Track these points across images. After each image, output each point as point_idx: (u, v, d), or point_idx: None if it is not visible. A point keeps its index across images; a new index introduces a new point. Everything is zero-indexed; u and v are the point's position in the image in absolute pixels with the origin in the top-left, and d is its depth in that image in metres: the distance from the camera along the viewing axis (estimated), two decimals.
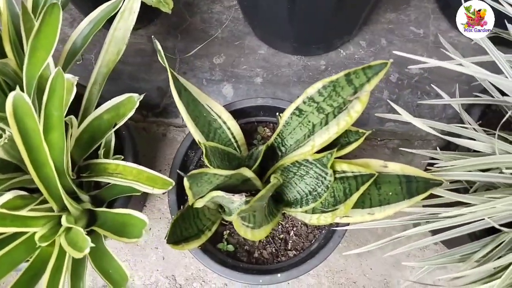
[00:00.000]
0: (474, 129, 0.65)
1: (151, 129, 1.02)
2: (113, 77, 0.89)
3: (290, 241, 0.77)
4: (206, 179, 0.54)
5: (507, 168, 0.56)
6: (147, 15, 1.06)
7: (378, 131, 0.99)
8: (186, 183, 0.53)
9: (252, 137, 0.82)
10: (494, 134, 0.58)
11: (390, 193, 0.60)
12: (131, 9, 0.72)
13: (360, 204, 0.64)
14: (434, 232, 0.61)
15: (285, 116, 0.63)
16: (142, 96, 0.68)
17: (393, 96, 1.00)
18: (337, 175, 0.62)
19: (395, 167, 0.58)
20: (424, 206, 0.63)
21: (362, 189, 0.57)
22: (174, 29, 1.08)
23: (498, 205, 0.52)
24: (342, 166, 0.60)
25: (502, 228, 0.57)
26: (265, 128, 0.83)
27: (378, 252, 0.95)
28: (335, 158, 0.61)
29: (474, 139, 0.58)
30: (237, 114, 0.77)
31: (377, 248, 0.63)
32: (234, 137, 0.74)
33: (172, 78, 0.63)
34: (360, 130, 0.58)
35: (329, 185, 0.62)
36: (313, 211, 0.68)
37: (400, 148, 0.94)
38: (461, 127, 0.58)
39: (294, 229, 0.77)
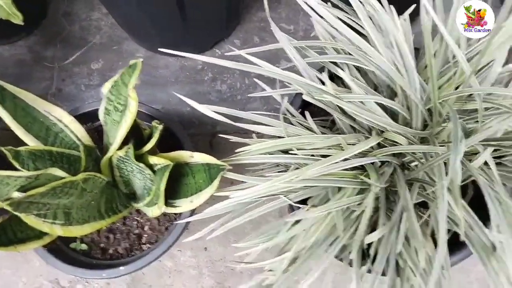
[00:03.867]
0: (292, 116, 0.70)
1: None
2: None
3: (145, 236, 0.80)
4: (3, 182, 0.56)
5: (298, 149, 0.61)
6: (25, 27, 1.07)
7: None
8: None
9: None
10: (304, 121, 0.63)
11: (201, 181, 0.64)
12: None
13: (184, 194, 0.68)
14: None
15: (100, 116, 0.66)
16: None
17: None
18: (156, 168, 0.65)
19: (199, 157, 0.62)
20: None
21: (165, 179, 0.61)
22: (54, 38, 1.10)
23: (276, 183, 0.56)
24: (153, 159, 0.63)
25: (296, 205, 0.62)
26: None
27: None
28: (150, 153, 0.65)
29: (269, 125, 0.63)
30: (86, 117, 0.80)
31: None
32: (79, 140, 0.77)
33: None
34: (155, 124, 0.62)
35: (152, 179, 0.66)
36: (151, 204, 0.71)
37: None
38: (258, 114, 0.63)
39: (149, 223, 0.81)
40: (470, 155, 0.65)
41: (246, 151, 0.61)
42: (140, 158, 0.64)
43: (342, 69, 0.66)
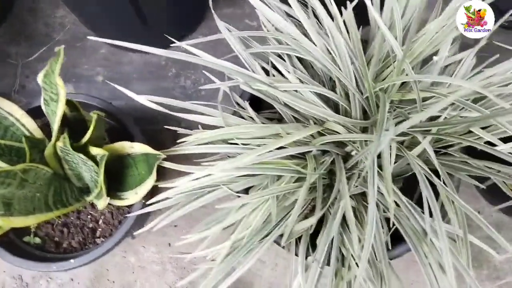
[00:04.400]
0: (239, 108, 0.71)
1: None
2: None
3: (99, 229, 0.80)
4: None
5: (237, 139, 0.61)
6: None
7: None
8: None
9: None
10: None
11: (143, 172, 0.64)
12: None
13: (130, 186, 0.69)
14: None
15: (42, 107, 0.67)
16: None
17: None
18: (98, 159, 0.66)
19: (138, 147, 0.62)
20: None
21: (102, 169, 0.61)
22: (18, 35, 1.10)
23: (213, 171, 0.56)
24: (94, 150, 0.63)
25: (237, 194, 0.62)
26: None
27: None
28: (98, 145, 0.65)
29: (208, 115, 0.63)
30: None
31: None
32: (31, 133, 0.77)
33: None
34: (92, 115, 0.62)
35: (96, 170, 0.66)
36: (100, 196, 0.71)
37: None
38: (196, 103, 0.63)
39: (103, 217, 0.81)
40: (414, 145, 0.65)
41: (187, 142, 0.62)
42: (82, 149, 0.64)
43: (284, 60, 0.66)
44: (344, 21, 0.64)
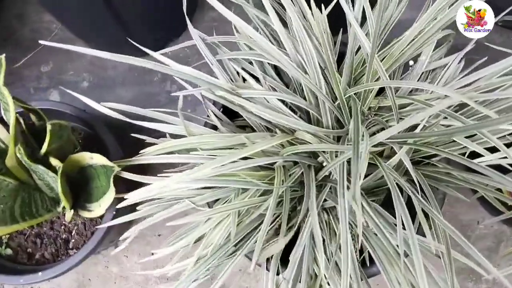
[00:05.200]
0: (214, 115, 0.67)
1: None
2: None
3: (72, 240, 0.78)
4: None
5: (201, 149, 0.58)
6: None
7: None
8: None
9: None
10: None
11: (104, 184, 0.62)
12: None
13: (96, 197, 0.66)
14: None
15: (4, 116, 0.65)
16: None
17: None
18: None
19: (97, 159, 0.60)
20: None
21: (58, 180, 0.58)
22: (4, 40, 1.10)
23: (169, 183, 0.53)
24: (53, 161, 0.61)
25: (200, 208, 0.59)
26: None
27: None
28: (59, 153, 0.63)
29: (170, 123, 0.60)
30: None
31: None
32: (3, 142, 0.75)
33: None
34: (48, 125, 0.60)
35: (58, 181, 0.63)
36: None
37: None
38: (157, 111, 0.60)
39: (76, 228, 0.78)
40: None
41: (148, 152, 0.59)
42: (44, 160, 0.62)
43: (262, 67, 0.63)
44: (318, 24, 0.60)
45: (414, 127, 0.58)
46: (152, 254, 0.61)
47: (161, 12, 0.98)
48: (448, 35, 0.63)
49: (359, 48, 0.61)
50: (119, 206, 0.58)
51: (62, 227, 0.79)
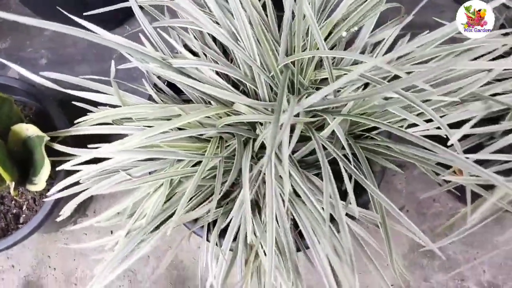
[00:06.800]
0: (154, 88, 0.67)
1: None
2: None
3: (23, 215, 0.78)
4: None
5: (136, 119, 0.58)
6: None
7: None
8: None
9: None
10: None
11: (41, 156, 0.61)
12: None
13: (38, 170, 0.66)
14: None
15: None
16: None
17: None
18: None
19: (31, 130, 0.59)
20: None
21: None
22: None
23: (99, 154, 0.53)
24: None
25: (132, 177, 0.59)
26: None
27: None
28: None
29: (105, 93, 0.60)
30: None
31: None
32: None
33: None
34: None
35: None
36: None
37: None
38: (87, 79, 0.60)
39: (26, 203, 0.78)
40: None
41: (83, 122, 0.59)
42: None
43: (195, 37, 0.63)
44: None
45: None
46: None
47: None
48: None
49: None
50: (67, 180, 0.57)
51: (13, 202, 0.78)
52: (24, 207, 0.78)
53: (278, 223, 0.54)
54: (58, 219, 0.61)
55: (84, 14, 0.63)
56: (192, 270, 0.96)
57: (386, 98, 0.58)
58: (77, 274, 0.97)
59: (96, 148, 0.54)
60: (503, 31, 0.59)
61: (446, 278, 0.95)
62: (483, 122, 0.60)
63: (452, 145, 0.54)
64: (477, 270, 0.94)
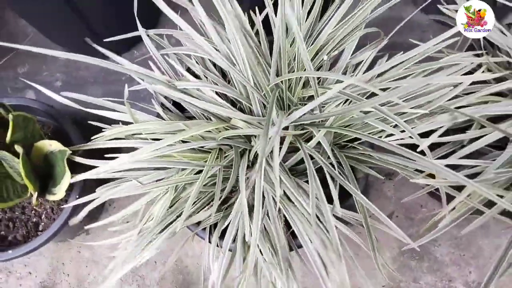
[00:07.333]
0: (162, 106, 0.76)
1: None
2: None
3: (42, 223, 0.86)
4: None
5: (145, 134, 0.66)
6: None
7: None
8: None
9: None
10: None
11: (63, 167, 0.69)
12: None
13: (59, 181, 0.74)
14: None
15: None
16: None
17: None
18: None
19: (55, 145, 0.68)
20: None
21: (21, 164, 0.66)
22: None
23: (113, 165, 0.61)
24: (17, 149, 0.69)
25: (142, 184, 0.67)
26: None
27: None
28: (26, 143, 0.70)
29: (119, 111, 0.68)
30: None
31: None
32: None
33: None
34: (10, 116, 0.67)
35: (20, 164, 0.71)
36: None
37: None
38: (107, 100, 0.68)
39: (45, 212, 0.86)
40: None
41: (99, 138, 0.67)
42: (9, 149, 0.70)
43: (197, 62, 0.71)
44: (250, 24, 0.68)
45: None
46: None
47: (125, 17, 1.06)
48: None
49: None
50: (72, 180, 0.65)
51: (33, 212, 0.86)
52: (43, 216, 0.86)
53: (270, 220, 0.61)
54: (75, 221, 0.68)
55: (104, 40, 0.71)
56: (197, 275, 1.03)
57: (365, 112, 0.66)
58: (89, 280, 1.04)
59: (113, 158, 0.62)
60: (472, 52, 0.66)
61: (435, 279, 1.01)
62: (455, 131, 0.68)
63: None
64: (463, 271, 1.01)
